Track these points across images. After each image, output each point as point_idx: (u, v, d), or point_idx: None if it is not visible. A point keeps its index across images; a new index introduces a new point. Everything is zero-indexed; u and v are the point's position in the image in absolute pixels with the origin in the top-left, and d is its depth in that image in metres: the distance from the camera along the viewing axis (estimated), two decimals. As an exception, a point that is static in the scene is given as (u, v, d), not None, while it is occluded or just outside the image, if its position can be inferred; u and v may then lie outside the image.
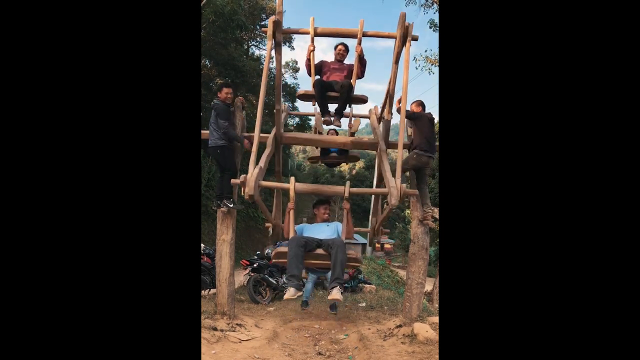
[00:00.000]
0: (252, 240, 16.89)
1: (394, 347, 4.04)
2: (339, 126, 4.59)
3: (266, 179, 4.12)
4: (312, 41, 4.38)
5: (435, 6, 10.90)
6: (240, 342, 4.07)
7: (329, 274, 3.52)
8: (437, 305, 7.52)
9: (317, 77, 4.71)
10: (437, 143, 4.75)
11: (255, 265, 7.10)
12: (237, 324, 4.51)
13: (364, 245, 30.45)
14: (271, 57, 4.17)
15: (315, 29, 4.25)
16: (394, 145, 4.86)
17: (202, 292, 6.63)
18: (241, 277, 7.31)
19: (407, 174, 4.82)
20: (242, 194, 3.61)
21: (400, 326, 4.59)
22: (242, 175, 3.55)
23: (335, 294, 3.23)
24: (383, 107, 5.01)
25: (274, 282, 7.03)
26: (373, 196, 5.48)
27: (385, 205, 4.42)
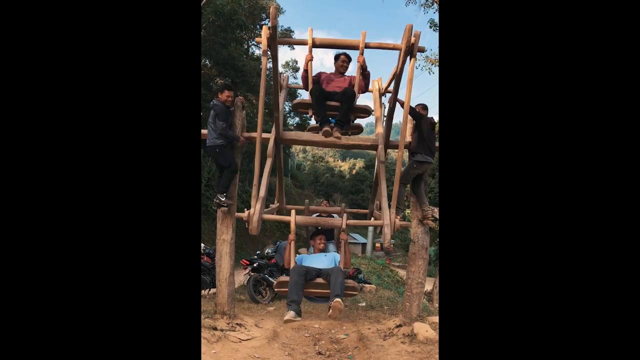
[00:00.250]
0: (252, 240, 16.89)
1: (394, 347, 4.04)
2: (339, 138, 4.10)
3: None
4: (310, 51, 3.99)
5: (435, 6, 10.91)
6: (240, 341, 4.08)
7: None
8: (437, 305, 7.53)
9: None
10: (437, 144, 4.75)
11: (255, 264, 7.10)
12: (237, 324, 4.51)
13: (364, 245, 30.49)
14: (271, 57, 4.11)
15: (313, 40, 3.89)
16: (394, 146, 4.85)
17: (202, 291, 6.63)
18: (241, 277, 7.31)
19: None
20: (247, 226, 3.96)
21: (400, 326, 4.59)
22: (247, 212, 3.91)
23: (337, 301, 3.26)
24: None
25: (274, 282, 7.02)
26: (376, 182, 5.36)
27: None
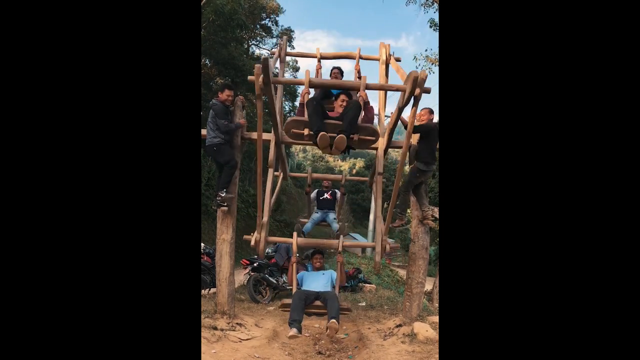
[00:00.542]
0: (252, 239, 16.83)
1: (394, 347, 4.04)
2: (337, 154, 3.74)
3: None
4: (308, 86, 3.64)
5: (436, 5, 10.90)
6: (240, 341, 4.08)
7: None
8: (437, 304, 7.51)
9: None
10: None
11: (255, 264, 7.10)
12: (237, 323, 4.52)
13: (363, 244, 30.41)
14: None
15: (310, 80, 3.55)
16: (394, 146, 4.85)
17: (202, 291, 6.63)
18: (241, 277, 7.31)
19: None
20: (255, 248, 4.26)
21: (400, 325, 4.60)
22: (253, 237, 4.18)
23: (332, 322, 3.80)
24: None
25: (274, 281, 7.02)
26: (373, 198, 5.49)
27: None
